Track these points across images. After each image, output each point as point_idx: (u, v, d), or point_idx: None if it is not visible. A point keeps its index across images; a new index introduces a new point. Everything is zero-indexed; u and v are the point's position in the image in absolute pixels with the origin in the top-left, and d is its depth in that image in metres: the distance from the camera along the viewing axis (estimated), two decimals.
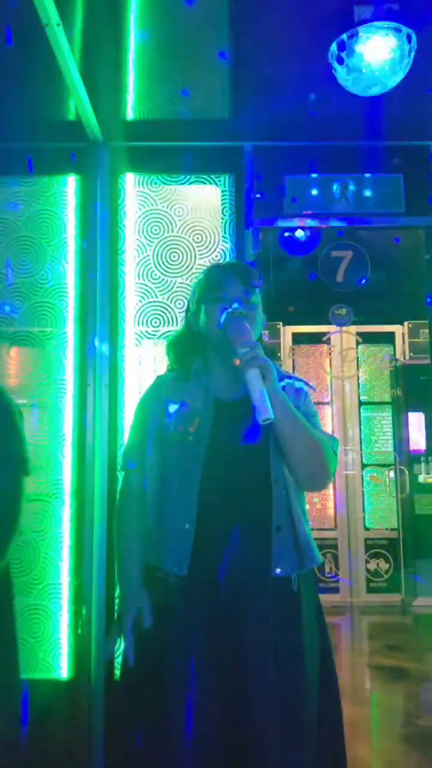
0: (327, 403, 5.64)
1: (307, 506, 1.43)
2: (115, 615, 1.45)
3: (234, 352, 1.31)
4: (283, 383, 1.43)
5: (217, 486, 1.34)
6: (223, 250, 2.42)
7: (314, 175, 2.54)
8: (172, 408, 1.43)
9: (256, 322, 1.42)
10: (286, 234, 4.82)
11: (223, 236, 2.43)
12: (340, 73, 1.90)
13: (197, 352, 1.48)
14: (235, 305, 1.38)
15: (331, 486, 5.46)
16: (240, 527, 1.32)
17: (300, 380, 1.49)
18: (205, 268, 1.55)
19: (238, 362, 1.30)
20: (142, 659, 1.34)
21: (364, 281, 5.12)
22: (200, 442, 1.36)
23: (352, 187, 2.55)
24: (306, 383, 1.50)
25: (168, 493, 1.38)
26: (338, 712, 1.40)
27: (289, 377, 1.48)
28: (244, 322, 1.36)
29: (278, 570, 1.32)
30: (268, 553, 1.32)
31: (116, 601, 1.44)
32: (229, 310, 1.38)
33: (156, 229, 2.45)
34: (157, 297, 2.41)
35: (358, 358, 5.66)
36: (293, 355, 5.69)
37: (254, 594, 1.30)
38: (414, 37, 1.82)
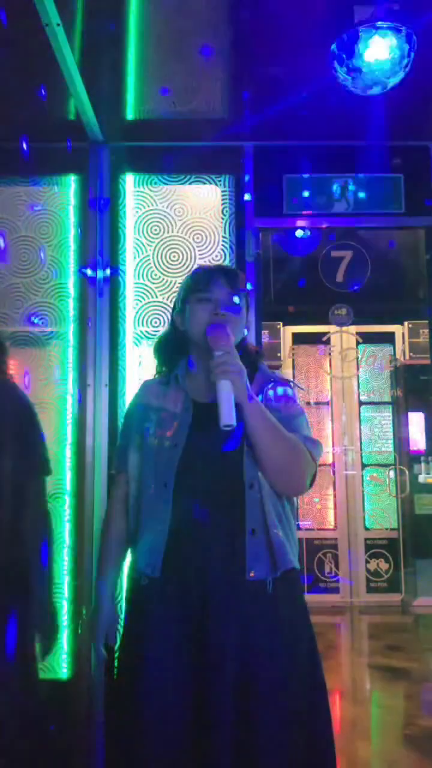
0: (327, 403, 5.64)
1: (290, 508, 1.42)
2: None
3: (212, 355, 1.32)
4: (267, 385, 1.44)
5: (191, 489, 1.35)
6: (223, 250, 2.42)
7: (314, 175, 2.54)
8: (152, 413, 1.45)
9: (239, 326, 1.43)
10: (286, 234, 4.82)
11: (223, 236, 2.43)
12: (340, 73, 1.90)
13: (182, 353, 1.49)
14: (221, 310, 1.39)
15: (331, 486, 5.47)
16: (213, 530, 1.32)
17: (285, 381, 1.49)
18: (195, 269, 1.56)
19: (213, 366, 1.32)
20: (127, 659, 1.38)
21: (357, 287, 5.13)
22: (177, 445, 1.38)
23: (352, 187, 2.55)
24: (292, 383, 1.50)
25: (145, 495, 1.41)
26: (326, 717, 1.36)
27: (274, 379, 1.48)
28: (225, 326, 1.36)
29: (252, 573, 1.31)
30: (242, 557, 1.31)
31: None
32: (211, 312, 1.38)
33: (156, 229, 2.45)
34: (156, 297, 2.41)
35: (358, 358, 5.66)
36: (293, 355, 5.69)
37: (227, 597, 1.30)
38: (414, 37, 1.82)
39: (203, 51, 1.96)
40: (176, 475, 1.36)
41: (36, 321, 2.37)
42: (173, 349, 1.52)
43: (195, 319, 1.41)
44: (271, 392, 1.44)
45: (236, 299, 1.42)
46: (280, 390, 1.45)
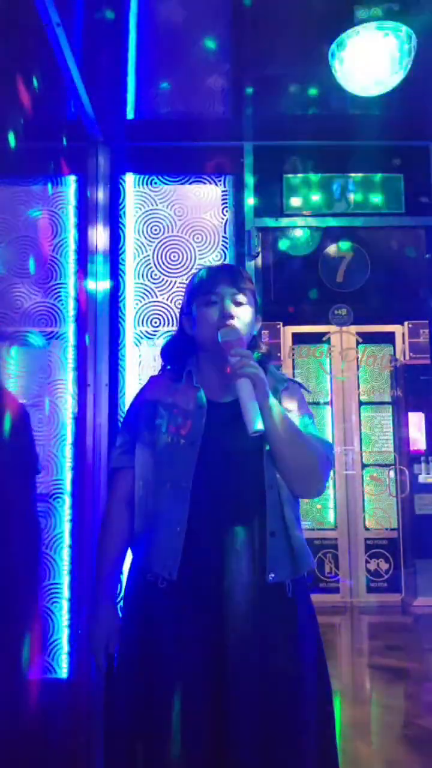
0: (327, 403, 5.64)
1: (299, 510, 1.41)
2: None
3: (225, 356, 1.30)
4: (280, 386, 1.42)
5: (210, 489, 1.32)
6: (223, 250, 2.42)
7: (314, 175, 2.54)
8: (163, 409, 1.40)
9: (247, 326, 1.40)
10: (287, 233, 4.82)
11: (223, 236, 2.43)
12: (340, 73, 1.90)
13: (190, 355, 1.46)
14: (228, 311, 1.37)
15: (331, 486, 5.47)
16: (232, 532, 1.30)
17: (297, 383, 1.48)
18: (198, 270, 1.52)
19: (229, 371, 1.29)
20: (130, 665, 1.34)
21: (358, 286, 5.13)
22: (193, 444, 1.34)
23: (352, 187, 2.55)
24: (302, 386, 1.48)
25: (159, 495, 1.36)
26: (331, 721, 1.37)
27: (286, 380, 1.46)
28: (236, 328, 1.34)
29: (272, 575, 1.29)
30: (262, 559, 1.30)
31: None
32: (220, 315, 1.36)
33: (156, 229, 2.45)
34: (157, 297, 2.41)
35: (358, 358, 5.66)
36: (293, 355, 5.69)
37: (247, 600, 1.28)
38: (414, 37, 1.82)
39: (199, 48, 1.96)
40: (194, 475, 1.32)
41: (36, 321, 2.37)
42: (182, 351, 1.48)
43: (204, 322, 1.39)
44: (284, 395, 1.42)
45: (242, 297, 1.40)
46: (292, 393, 1.44)
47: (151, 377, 1.52)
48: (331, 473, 1.47)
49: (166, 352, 1.52)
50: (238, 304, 1.40)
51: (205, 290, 1.41)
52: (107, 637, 1.38)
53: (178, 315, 1.54)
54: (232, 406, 1.33)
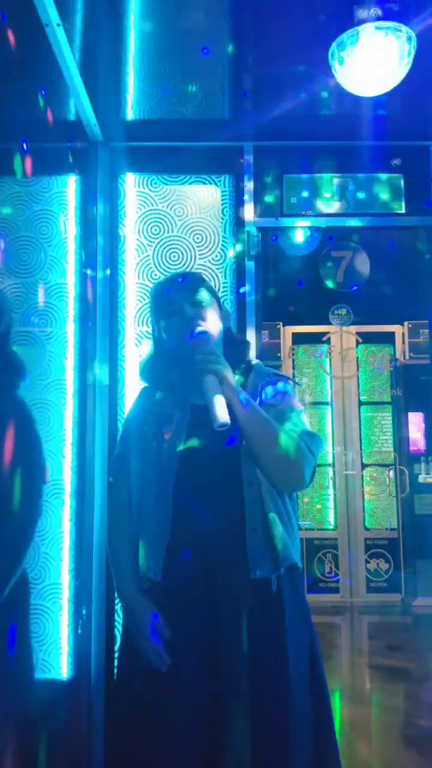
0: (327, 403, 5.65)
1: (292, 506, 1.41)
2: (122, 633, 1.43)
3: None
4: (261, 381, 1.44)
5: (191, 490, 1.34)
6: (223, 250, 2.42)
7: (314, 175, 2.54)
8: (151, 417, 1.45)
9: (211, 321, 1.43)
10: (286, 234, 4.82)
11: (223, 236, 2.43)
12: (340, 73, 1.90)
13: (172, 365, 1.49)
14: (187, 315, 1.40)
15: (331, 486, 5.47)
16: (214, 530, 1.31)
17: (281, 376, 1.49)
18: (151, 289, 1.58)
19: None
20: (127, 665, 1.36)
21: (355, 288, 5.13)
22: (175, 447, 1.37)
23: (352, 187, 2.55)
24: (288, 379, 1.49)
25: (146, 500, 1.40)
26: (329, 720, 1.37)
27: (271, 374, 1.48)
28: (202, 330, 1.37)
29: (256, 572, 1.30)
30: (244, 556, 1.31)
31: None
32: (181, 321, 1.40)
33: (156, 229, 2.45)
34: None
35: (358, 358, 5.66)
36: (293, 355, 5.70)
37: (232, 597, 1.29)
38: (414, 37, 1.82)
39: (203, 51, 1.96)
40: (175, 476, 1.35)
41: (36, 321, 2.37)
42: (160, 367, 1.51)
43: (171, 333, 1.43)
44: (268, 388, 1.44)
45: (199, 297, 1.44)
46: (276, 385, 1.45)
47: (142, 389, 1.57)
48: (334, 477, 1.46)
49: (144, 374, 1.55)
50: (197, 305, 1.43)
51: (163, 304, 1.46)
52: (150, 617, 1.33)
53: (150, 336, 1.56)
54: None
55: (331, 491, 5.47)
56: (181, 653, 1.28)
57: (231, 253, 2.41)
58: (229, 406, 1.29)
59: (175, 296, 1.44)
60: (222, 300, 1.92)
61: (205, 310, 1.43)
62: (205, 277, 1.56)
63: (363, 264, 5.32)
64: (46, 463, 1.70)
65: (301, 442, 1.35)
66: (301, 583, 1.41)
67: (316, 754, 1.31)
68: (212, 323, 1.43)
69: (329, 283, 5.35)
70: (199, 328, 1.37)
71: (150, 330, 1.57)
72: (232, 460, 1.35)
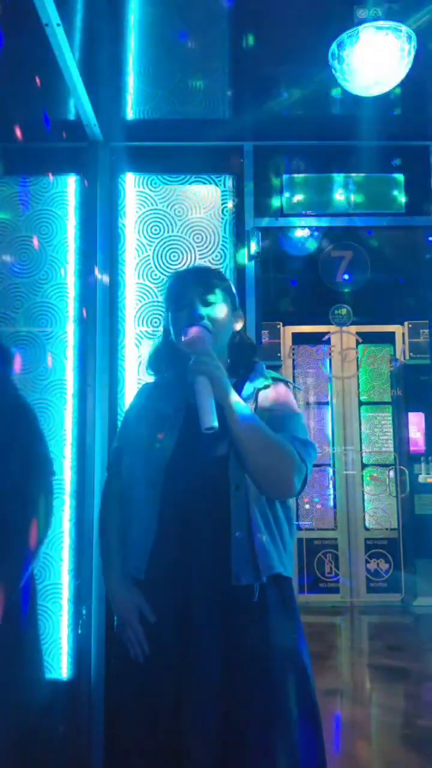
0: (327, 403, 5.64)
1: (284, 512, 1.38)
2: (115, 625, 1.42)
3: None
4: (259, 385, 1.41)
5: (179, 491, 1.33)
6: (223, 250, 2.42)
7: (314, 175, 2.54)
8: (147, 414, 1.44)
9: (219, 323, 1.40)
10: (286, 234, 4.82)
11: (223, 236, 2.43)
12: (340, 73, 1.90)
13: (176, 359, 1.47)
14: (198, 314, 1.37)
15: (331, 486, 5.47)
16: (199, 533, 1.30)
17: (281, 380, 1.46)
18: (168, 278, 1.55)
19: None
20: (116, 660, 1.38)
21: (346, 277, 5.12)
22: (166, 446, 1.36)
23: (351, 187, 2.55)
24: (287, 382, 1.47)
25: (135, 496, 1.39)
26: (317, 731, 1.31)
27: (269, 378, 1.45)
28: (201, 329, 1.34)
29: (239, 579, 1.27)
30: (227, 561, 1.28)
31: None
32: (188, 318, 1.38)
33: (156, 229, 2.45)
34: (157, 297, 2.41)
35: (358, 358, 5.66)
36: (293, 355, 5.69)
37: (211, 602, 1.27)
38: (414, 37, 1.82)
39: (199, 48, 1.95)
40: (164, 476, 1.34)
41: (36, 321, 2.37)
42: (166, 358, 1.51)
43: (176, 328, 1.42)
44: (265, 391, 1.42)
45: (211, 297, 1.41)
46: (275, 389, 1.43)
47: (143, 385, 1.57)
48: (334, 477, 1.43)
49: (151, 363, 1.55)
50: (208, 303, 1.40)
51: (173, 297, 1.44)
52: (137, 603, 1.34)
53: (151, 336, 1.56)
54: None
55: (331, 491, 5.47)
56: (156, 656, 1.29)
57: (231, 253, 2.41)
58: (221, 409, 1.27)
59: (187, 290, 1.41)
60: None
61: (215, 310, 1.40)
62: (225, 276, 1.52)
63: (363, 264, 5.33)
64: (51, 455, 1.70)
65: (292, 450, 1.31)
66: (290, 594, 1.36)
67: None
68: (220, 324, 1.40)
69: (329, 283, 5.36)
70: (192, 329, 1.34)
71: (149, 330, 1.57)
72: (220, 463, 1.32)
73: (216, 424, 1.23)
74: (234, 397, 1.31)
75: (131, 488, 1.42)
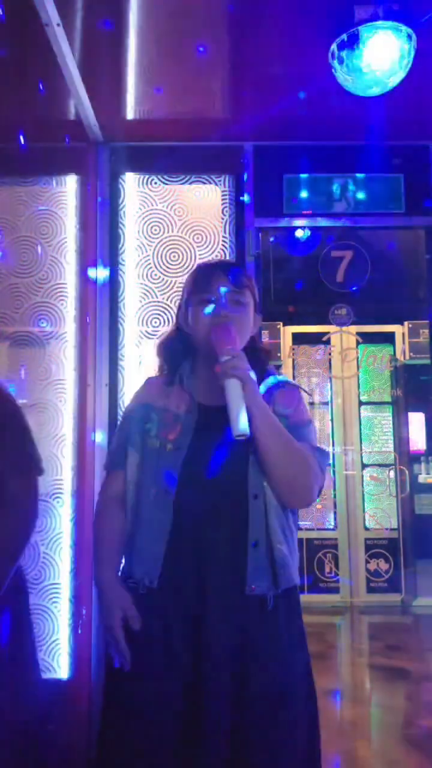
0: (327, 403, 5.64)
1: (293, 520, 1.35)
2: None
3: (217, 358, 1.25)
4: (275, 390, 1.36)
5: (194, 496, 1.28)
6: (223, 250, 2.42)
7: (314, 175, 2.54)
8: (155, 412, 1.37)
9: (244, 325, 1.35)
10: (286, 234, 4.82)
11: (223, 236, 2.43)
12: (340, 73, 1.90)
13: (186, 355, 1.42)
14: (223, 310, 1.31)
15: (331, 486, 5.46)
16: (214, 541, 1.26)
17: (295, 386, 1.42)
18: (196, 266, 1.46)
19: (218, 370, 1.24)
20: (112, 671, 1.32)
21: (357, 287, 5.13)
22: (179, 449, 1.31)
23: (352, 187, 2.55)
24: (300, 388, 1.43)
25: (144, 500, 1.33)
26: (317, 747, 1.30)
27: (284, 383, 1.40)
28: (230, 327, 1.29)
29: (252, 587, 1.24)
30: (242, 570, 1.24)
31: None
32: (214, 314, 1.31)
33: (156, 229, 2.45)
34: (157, 297, 2.41)
35: (358, 358, 5.66)
36: (293, 355, 5.69)
37: (225, 611, 1.23)
38: (414, 37, 1.82)
39: (199, 48, 1.95)
40: (178, 481, 1.29)
41: (36, 321, 2.37)
42: (178, 350, 1.43)
43: (197, 321, 1.34)
44: (280, 398, 1.36)
45: (240, 297, 1.35)
46: (289, 395, 1.38)
47: (148, 379, 1.48)
48: (334, 477, 1.40)
49: (162, 349, 1.47)
50: (236, 303, 1.35)
51: (201, 288, 1.36)
52: (123, 609, 1.30)
53: (176, 311, 1.47)
54: (222, 410, 1.26)
55: (331, 491, 5.47)
56: (166, 665, 1.24)
57: (231, 253, 2.41)
58: (248, 414, 1.21)
59: (216, 286, 1.34)
60: None
61: (242, 311, 1.35)
62: (251, 277, 1.45)
63: (363, 264, 5.32)
64: (39, 453, 1.67)
65: (314, 459, 1.30)
66: (298, 606, 1.34)
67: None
68: (244, 327, 1.35)
69: (329, 284, 5.35)
70: (222, 328, 1.28)
71: (149, 330, 1.55)
72: (238, 470, 1.28)
73: (249, 431, 1.19)
74: (263, 402, 1.27)
75: (139, 491, 1.35)
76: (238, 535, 1.26)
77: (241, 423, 1.18)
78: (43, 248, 2.41)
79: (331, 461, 5.48)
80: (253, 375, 1.25)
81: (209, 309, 1.33)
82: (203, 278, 1.37)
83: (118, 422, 2.33)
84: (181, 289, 1.46)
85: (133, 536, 1.34)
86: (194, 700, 1.21)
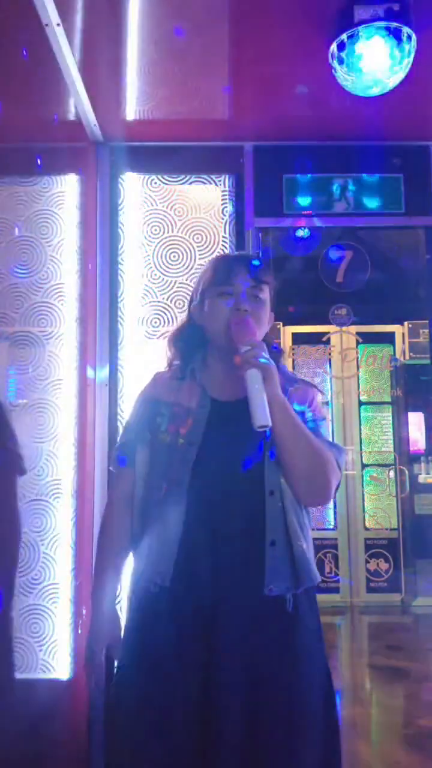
0: (327, 403, 5.64)
1: (308, 519, 1.32)
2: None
3: (235, 351, 1.23)
4: (289, 386, 1.32)
5: (207, 492, 1.24)
6: (222, 250, 2.42)
7: (314, 175, 2.54)
8: (165, 407, 1.33)
9: (261, 321, 1.32)
10: (286, 234, 4.81)
11: (223, 236, 2.43)
12: (340, 73, 1.90)
13: (198, 348, 1.39)
14: (243, 305, 1.28)
15: None
16: (229, 539, 1.21)
17: (310, 384, 1.39)
18: (214, 258, 1.43)
19: (238, 360, 1.20)
20: (130, 669, 1.27)
21: (356, 287, 5.13)
22: (192, 445, 1.26)
23: (351, 187, 2.55)
24: (315, 387, 1.39)
25: (155, 497, 1.29)
26: (338, 760, 1.27)
27: (297, 380, 1.38)
28: (249, 320, 1.26)
29: (271, 588, 1.20)
30: (260, 570, 1.20)
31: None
32: (234, 307, 1.29)
33: (156, 229, 2.45)
34: (157, 297, 2.41)
35: (358, 358, 5.66)
36: (293, 355, 5.69)
37: (242, 612, 1.19)
38: (414, 37, 1.82)
39: (199, 48, 1.95)
40: (191, 476, 1.24)
41: (36, 321, 2.37)
42: (189, 342, 1.40)
43: (215, 314, 1.31)
44: (296, 395, 1.33)
45: (259, 293, 1.32)
46: (304, 393, 1.36)
47: (156, 374, 1.44)
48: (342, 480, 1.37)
49: (174, 342, 1.43)
50: (255, 299, 1.32)
51: (220, 280, 1.32)
52: (109, 639, 1.30)
53: (187, 305, 1.43)
54: (236, 405, 1.25)
55: None
56: (180, 665, 1.19)
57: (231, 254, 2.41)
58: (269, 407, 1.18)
59: (237, 278, 1.30)
60: None
61: (260, 307, 1.32)
62: (271, 273, 1.41)
63: (363, 264, 5.32)
64: (21, 453, 1.64)
65: (332, 456, 1.27)
66: (316, 603, 1.30)
67: None
68: (261, 323, 1.32)
69: (329, 284, 5.35)
70: (242, 320, 1.26)
71: (149, 330, 1.54)
72: (255, 465, 1.24)
73: (270, 423, 1.15)
74: (282, 395, 1.24)
75: (150, 486, 1.31)
76: (254, 532, 1.23)
77: (263, 414, 1.15)
78: (43, 248, 2.40)
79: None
80: (274, 366, 1.21)
81: (228, 302, 1.30)
82: (224, 270, 1.33)
83: (117, 422, 2.34)
84: (181, 289, 1.44)
85: (143, 534, 1.30)
86: (207, 705, 1.17)
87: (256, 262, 1.35)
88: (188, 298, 1.47)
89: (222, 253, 2.35)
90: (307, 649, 1.24)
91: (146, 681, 1.21)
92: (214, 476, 1.25)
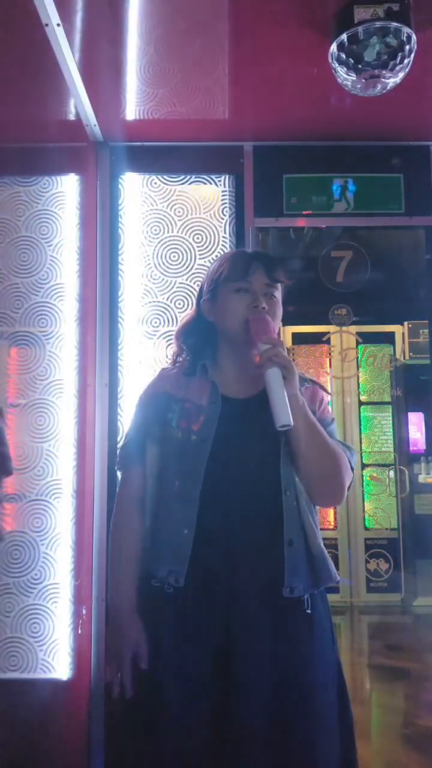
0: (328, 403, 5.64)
1: (317, 518, 1.30)
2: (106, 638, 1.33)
3: (251, 348, 1.22)
4: (300, 386, 1.29)
5: (221, 490, 1.21)
6: (223, 250, 2.42)
7: (314, 175, 2.54)
8: (175, 403, 1.30)
9: (277, 319, 1.31)
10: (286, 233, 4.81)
11: (223, 236, 2.43)
12: (340, 73, 1.90)
13: (207, 343, 1.37)
14: (261, 303, 1.27)
15: None
16: (245, 538, 1.19)
17: (318, 385, 1.38)
18: (229, 253, 1.41)
19: (258, 359, 1.19)
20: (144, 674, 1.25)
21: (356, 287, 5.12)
22: (204, 441, 1.23)
23: (352, 187, 2.55)
24: (322, 388, 1.39)
25: (166, 495, 1.27)
26: (353, 755, 1.25)
27: (307, 380, 1.37)
28: (267, 318, 1.25)
29: (289, 588, 1.18)
30: (278, 569, 1.19)
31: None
32: (252, 305, 1.27)
33: (156, 229, 2.45)
34: (157, 297, 2.41)
35: (358, 358, 5.66)
36: (293, 355, 5.69)
37: (259, 613, 1.17)
38: (414, 37, 1.82)
39: (199, 48, 1.94)
40: (205, 474, 1.22)
41: (36, 321, 2.37)
42: (198, 337, 1.37)
43: (230, 310, 1.28)
44: (306, 395, 1.31)
45: (273, 291, 1.30)
46: (313, 393, 1.35)
47: (162, 370, 1.42)
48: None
49: (183, 337, 1.40)
50: (271, 297, 1.30)
51: (237, 276, 1.29)
52: (135, 648, 1.24)
53: (196, 297, 1.41)
54: (248, 402, 1.24)
55: None
56: (194, 667, 1.17)
57: None
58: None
59: (255, 275, 1.29)
60: None
61: (275, 306, 1.31)
62: (286, 272, 1.39)
63: (363, 264, 5.32)
64: (9, 453, 1.62)
65: (344, 455, 1.26)
66: (327, 602, 1.29)
67: None
68: (276, 322, 1.31)
69: (329, 284, 5.34)
70: (261, 317, 1.24)
71: (149, 330, 1.53)
72: (269, 463, 1.23)
73: (292, 422, 1.14)
74: (301, 395, 1.22)
75: (160, 485, 1.29)
76: (270, 532, 1.21)
77: (285, 413, 1.13)
78: (43, 248, 2.40)
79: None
80: (294, 365, 1.20)
81: (245, 299, 1.28)
82: (241, 266, 1.31)
83: (118, 422, 2.34)
84: (181, 289, 1.44)
85: (156, 533, 1.28)
86: (227, 709, 1.15)
87: (275, 261, 1.34)
88: (196, 293, 1.44)
89: (233, 250, 2.33)
90: (323, 648, 1.23)
91: (166, 684, 1.19)
92: (228, 474, 1.23)
